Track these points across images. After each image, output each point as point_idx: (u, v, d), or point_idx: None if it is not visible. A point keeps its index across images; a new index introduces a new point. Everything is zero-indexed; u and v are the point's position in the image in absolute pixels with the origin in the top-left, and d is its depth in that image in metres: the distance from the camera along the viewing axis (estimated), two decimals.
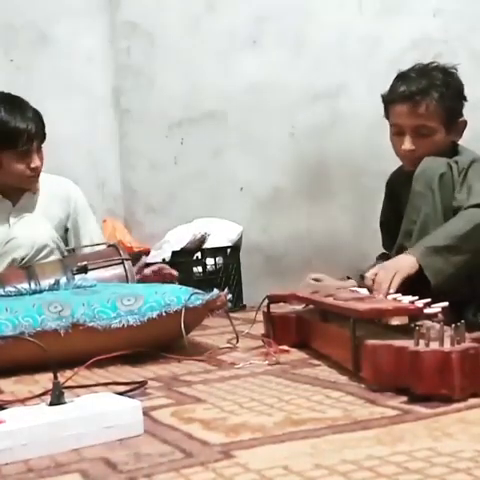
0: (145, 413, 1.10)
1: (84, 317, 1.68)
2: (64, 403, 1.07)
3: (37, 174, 2.29)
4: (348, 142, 3.02)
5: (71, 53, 3.27)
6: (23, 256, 2.16)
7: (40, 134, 2.26)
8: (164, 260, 2.78)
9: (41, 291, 1.85)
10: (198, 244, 2.89)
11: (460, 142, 2.04)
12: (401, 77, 1.99)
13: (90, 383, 1.43)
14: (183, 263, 2.77)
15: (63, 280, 1.91)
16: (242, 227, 3.03)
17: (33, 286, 1.91)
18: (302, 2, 3.10)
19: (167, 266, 2.31)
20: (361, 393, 1.20)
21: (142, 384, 1.34)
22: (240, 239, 3.02)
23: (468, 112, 2.03)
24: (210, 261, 2.83)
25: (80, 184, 2.52)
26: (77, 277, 2.00)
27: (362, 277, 2.10)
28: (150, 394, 1.32)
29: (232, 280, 2.89)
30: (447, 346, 1.13)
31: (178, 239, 2.93)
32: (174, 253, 2.80)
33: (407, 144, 1.95)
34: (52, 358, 1.13)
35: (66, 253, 2.31)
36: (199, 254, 2.84)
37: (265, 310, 1.86)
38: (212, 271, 2.82)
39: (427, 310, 1.33)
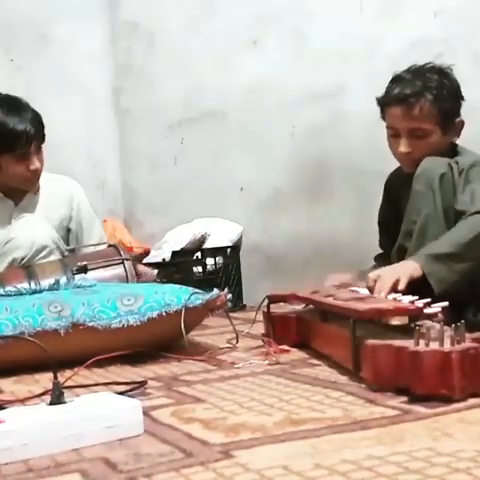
0: (145, 413, 1.10)
1: (84, 317, 1.68)
2: (64, 403, 1.07)
3: (37, 176, 2.29)
4: (348, 142, 3.02)
5: (71, 53, 3.27)
6: (22, 256, 2.16)
7: (39, 136, 2.24)
8: (164, 260, 2.78)
9: (41, 291, 1.85)
10: (198, 244, 2.89)
11: (460, 143, 2.03)
12: (396, 79, 1.99)
13: (90, 383, 1.44)
14: (183, 263, 2.77)
15: (63, 280, 1.91)
16: (242, 227, 3.03)
17: (33, 286, 1.91)
18: (302, 2, 3.10)
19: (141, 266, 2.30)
20: (361, 393, 1.20)
21: (142, 384, 1.34)
22: (240, 239, 3.02)
23: (468, 113, 2.02)
24: (210, 261, 2.83)
25: (80, 184, 2.52)
26: (77, 277, 2.00)
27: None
28: (150, 394, 1.32)
29: (232, 280, 2.89)
30: (447, 346, 1.13)
31: (178, 239, 2.93)
32: (174, 253, 2.80)
33: (403, 147, 1.95)
34: (52, 358, 1.13)
35: (66, 253, 2.31)
36: (199, 254, 2.83)
37: (265, 310, 1.86)
38: (212, 271, 2.82)
39: (427, 310, 1.33)
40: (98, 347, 1.56)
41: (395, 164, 2.11)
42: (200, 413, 1.15)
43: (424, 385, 1.11)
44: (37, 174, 2.28)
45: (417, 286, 1.63)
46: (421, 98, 1.91)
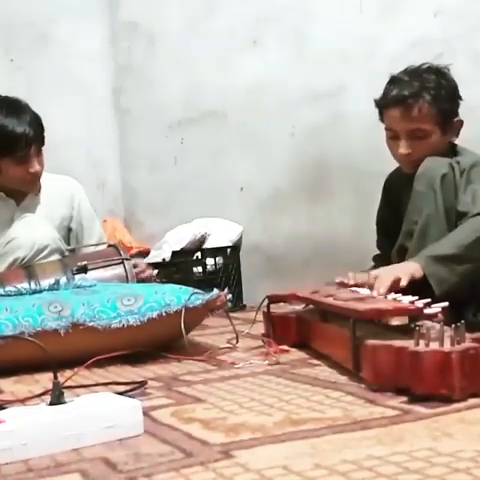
0: (145, 413, 1.10)
1: (84, 317, 1.68)
2: (64, 403, 1.07)
3: (37, 178, 2.29)
4: (348, 142, 3.02)
5: (71, 53, 3.28)
6: (24, 256, 2.16)
7: (39, 139, 2.24)
8: (164, 260, 2.79)
9: (41, 291, 1.85)
10: (198, 244, 2.89)
11: (460, 142, 2.03)
12: (393, 81, 1.98)
13: (90, 383, 1.44)
14: (183, 263, 2.77)
15: (63, 280, 1.91)
16: (242, 227, 3.03)
17: (33, 286, 1.91)
18: (302, 2, 3.10)
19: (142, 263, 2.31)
20: (361, 393, 1.20)
21: (142, 384, 1.34)
22: (240, 239, 3.02)
23: (468, 112, 2.02)
24: (210, 261, 2.83)
25: (80, 184, 2.52)
26: (77, 277, 2.00)
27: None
28: (150, 394, 1.32)
29: (232, 280, 2.89)
30: (447, 346, 1.13)
31: (178, 239, 2.93)
32: (174, 253, 2.80)
33: (403, 148, 1.94)
34: (52, 358, 1.13)
35: (67, 253, 2.31)
36: (199, 254, 2.84)
37: (265, 310, 1.86)
38: (212, 271, 2.82)
39: (427, 310, 1.33)
40: (98, 347, 1.56)
41: (395, 164, 2.11)
42: (200, 413, 1.15)
43: (424, 385, 1.11)
44: (37, 176, 2.28)
45: (418, 287, 1.63)
46: (419, 99, 1.91)
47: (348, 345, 1.32)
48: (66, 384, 1.32)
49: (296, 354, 1.65)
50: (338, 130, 3.05)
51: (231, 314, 1.89)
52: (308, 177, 3.12)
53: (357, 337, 1.30)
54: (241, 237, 3.02)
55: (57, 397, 1.07)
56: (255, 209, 3.19)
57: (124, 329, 1.67)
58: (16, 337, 1.59)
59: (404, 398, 1.13)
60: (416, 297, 1.41)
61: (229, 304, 1.85)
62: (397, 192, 2.11)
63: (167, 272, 2.70)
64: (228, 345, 1.82)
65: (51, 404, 1.07)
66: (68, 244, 2.37)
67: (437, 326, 1.19)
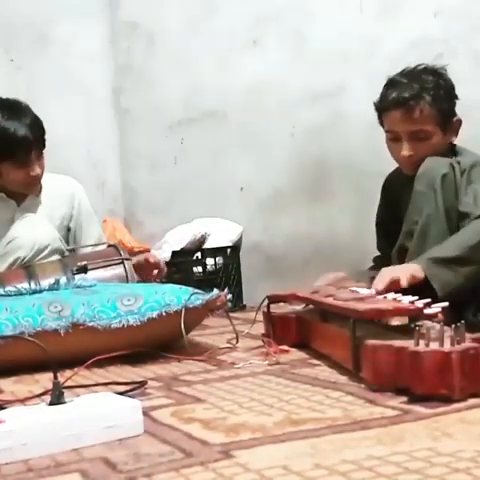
0: (145, 413, 1.10)
1: (84, 317, 1.68)
2: (64, 403, 1.07)
3: (37, 181, 2.29)
4: (348, 142, 3.02)
5: (71, 53, 3.27)
6: (24, 256, 2.16)
7: (39, 142, 2.23)
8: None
9: (41, 291, 1.85)
10: (198, 244, 2.89)
11: (460, 142, 2.03)
12: (391, 83, 1.98)
13: (90, 383, 1.44)
14: (183, 263, 2.77)
15: (63, 280, 1.91)
16: (242, 227, 3.03)
17: (33, 286, 1.91)
18: (302, 2, 3.10)
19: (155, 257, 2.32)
20: (361, 393, 1.20)
21: (142, 384, 1.34)
22: (240, 239, 3.02)
23: (468, 112, 2.02)
24: (210, 261, 2.83)
25: (80, 184, 2.52)
26: (77, 277, 2.00)
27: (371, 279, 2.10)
28: (150, 394, 1.32)
29: (232, 280, 2.89)
30: (447, 346, 1.13)
31: (178, 239, 2.93)
32: (174, 253, 2.80)
33: (405, 150, 1.94)
34: (52, 358, 1.13)
35: (67, 253, 2.31)
36: (199, 254, 2.83)
37: (265, 310, 1.86)
38: (212, 271, 2.82)
39: (427, 310, 1.33)
40: (98, 347, 1.56)
41: (394, 164, 2.11)
42: (200, 413, 1.15)
43: (424, 385, 1.11)
44: (38, 179, 2.28)
45: (418, 288, 1.63)
46: (420, 100, 1.91)
47: (348, 345, 1.32)
48: (66, 384, 1.32)
49: (296, 354, 1.65)
50: (338, 130, 3.05)
51: (231, 314, 1.89)
52: (308, 177, 3.12)
53: (357, 337, 1.30)
54: (241, 237, 3.02)
55: (57, 397, 1.07)
56: (255, 209, 3.19)
57: (124, 329, 1.67)
58: (16, 337, 1.59)
59: (404, 398, 1.13)
60: (416, 297, 1.42)
61: (229, 304, 1.85)
62: (396, 193, 2.11)
63: (167, 272, 2.70)
64: (228, 345, 1.82)
65: (51, 404, 1.07)
66: (68, 244, 2.37)
67: (437, 326, 1.19)
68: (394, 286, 1.59)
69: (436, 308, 1.34)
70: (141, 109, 3.38)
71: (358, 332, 1.31)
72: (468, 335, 1.18)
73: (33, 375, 1.57)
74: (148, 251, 2.97)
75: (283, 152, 3.15)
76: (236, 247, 2.97)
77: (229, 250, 2.92)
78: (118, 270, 2.10)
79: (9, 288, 1.86)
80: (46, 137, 2.27)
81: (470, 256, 1.72)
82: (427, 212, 1.84)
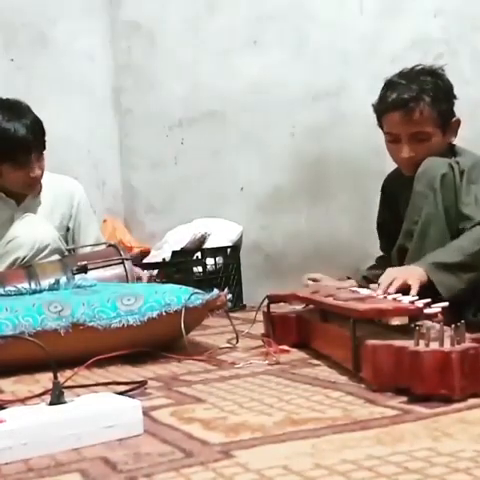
0: (145, 413, 1.10)
1: (84, 317, 1.68)
2: (64, 403, 1.07)
3: (37, 182, 2.29)
4: (348, 142, 3.02)
5: (71, 53, 3.27)
6: (24, 256, 2.16)
7: (40, 143, 2.23)
8: (164, 260, 2.78)
9: (41, 291, 1.85)
10: (198, 244, 2.89)
11: (461, 142, 2.03)
12: (390, 85, 1.97)
13: (90, 383, 1.44)
14: (183, 263, 2.77)
15: (63, 280, 1.91)
16: (242, 227, 3.03)
17: (33, 286, 1.91)
18: (302, 2, 3.10)
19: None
20: (361, 393, 1.20)
21: (142, 384, 1.34)
22: (240, 239, 3.02)
23: (468, 112, 2.02)
24: (210, 261, 2.83)
25: (80, 184, 2.52)
26: (77, 277, 2.00)
27: (364, 278, 2.10)
28: (150, 394, 1.32)
29: (232, 280, 2.89)
30: (447, 346, 1.13)
31: (178, 239, 2.93)
32: (174, 253, 2.80)
33: (405, 152, 1.94)
34: (52, 358, 1.13)
35: (67, 253, 2.31)
36: (199, 254, 2.83)
37: (265, 310, 1.86)
38: (212, 271, 2.82)
39: (427, 310, 1.33)
40: (98, 347, 1.56)
41: (394, 164, 2.11)
42: (200, 413, 1.15)
43: (424, 385, 1.11)
44: (37, 180, 2.29)
45: (422, 291, 1.63)
46: (420, 102, 1.91)
47: (348, 345, 1.32)
48: (66, 384, 1.32)
49: (296, 354, 1.66)
50: (338, 130, 3.05)
51: (231, 314, 1.89)
52: (308, 177, 3.12)
53: (357, 337, 1.30)
54: (241, 237, 3.02)
55: (57, 397, 1.07)
56: (255, 209, 3.19)
57: (124, 329, 1.67)
58: (16, 337, 1.59)
59: (404, 398, 1.13)
60: (416, 297, 1.42)
61: (229, 304, 1.85)
62: (396, 193, 2.11)
63: (167, 272, 2.70)
64: (228, 345, 1.83)
65: (51, 404, 1.07)
66: (67, 244, 2.38)
67: (437, 326, 1.19)
68: (404, 287, 1.60)
69: (436, 308, 1.34)
70: (141, 109, 3.38)
71: (358, 332, 1.31)
72: (468, 335, 1.18)
73: (33, 375, 1.57)
74: (148, 251, 2.97)
75: (283, 152, 3.15)
76: (236, 247, 2.97)
77: (229, 250, 2.92)
78: (118, 270, 2.10)
79: (9, 288, 1.86)
80: (46, 137, 2.27)
81: (472, 263, 1.74)
82: (427, 212, 1.84)
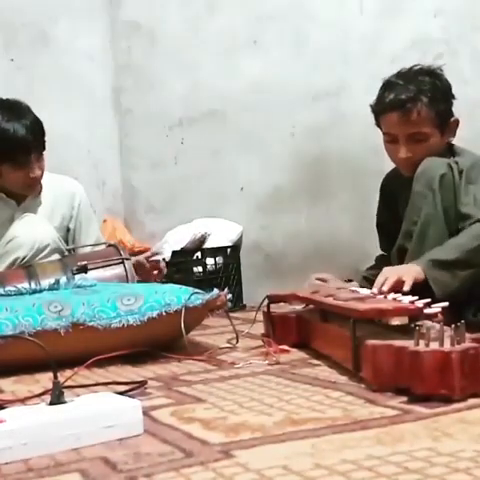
0: (145, 413, 1.10)
1: (84, 317, 1.68)
2: (64, 403, 1.07)
3: (37, 182, 2.29)
4: (348, 142, 3.02)
5: (71, 53, 3.27)
6: (24, 256, 2.16)
7: (39, 144, 2.23)
8: (164, 260, 2.78)
9: (41, 291, 1.85)
10: (198, 244, 2.89)
11: (460, 142, 2.03)
12: (388, 85, 1.97)
13: (90, 383, 1.43)
14: (183, 263, 2.77)
15: (63, 280, 1.91)
16: (242, 227, 3.03)
17: (33, 285, 1.91)
18: (302, 2, 3.10)
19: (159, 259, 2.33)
20: (361, 393, 1.20)
21: (142, 384, 1.34)
22: (240, 239, 3.02)
23: (468, 112, 2.02)
24: (210, 261, 2.83)
25: (80, 184, 2.52)
26: (77, 277, 2.00)
27: (365, 278, 2.10)
28: (150, 394, 1.32)
29: (232, 280, 2.89)
30: (447, 346, 1.13)
31: (178, 239, 2.93)
32: (174, 253, 2.80)
33: (403, 153, 1.94)
34: (52, 358, 1.13)
35: (67, 253, 2.31)
36: (199, 254, 2.83)
37: (265, 310, 1.86)
38: (212, 271, 2.82)
39: (427, 310, 1.33)
40: (98, 347, 1.56)
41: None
42: (200, 413, 1.15)
43: (424, 385, 1.11)
44: (37, 181, 2.28)
45: (419, 288, 1.63)
46: (417, 102, 1.91)
47: (348, 345, 1.32)
48: (66, 384, 1.31)
49: (296, 354, 1.66)
50: (338, 130, 3.05)
51: (231, 314, 1.89)
52: (308, 177, 3.12)
53: (357, 337, 1.30)
54: (241, 237, 3.02)
55: (57, 397, 1.07)
56: (255, 209, 3.19)
57: (124, 329, 1.67)
58: (16, 337, 1.59)
59: (404, 398, 1.13)
60: (416, 297, 1.42)
61: (229, 304, 1.85)
62: (395, 193, 2.11)
63: (167, 272, 2.70)
64: (228, 345, 1.83)
65: (51, 404, 1.07)
66: (67, 244, 2.38)
67: (437, 326, 1.19)
68: (397, 286, 1.60)
69: (436, 308, 1.34)
70: (141, 109, 3.38)
71: (358, 332, 1.31)
72: (468, 335, 1.18)
73: (33, 375, 1.57)
74: (148, 250, 2.97)
75: (283, 152, 3.15)
76: (236, 247, 2.97)
77: (229, 250, 2.92)
78: (118, 270, 2.10)
79: (9, 288, 1.86)
80: (46, 137, 2.27)
81: (469, 260, 1.73)
82: (426, 212, 1.84)
